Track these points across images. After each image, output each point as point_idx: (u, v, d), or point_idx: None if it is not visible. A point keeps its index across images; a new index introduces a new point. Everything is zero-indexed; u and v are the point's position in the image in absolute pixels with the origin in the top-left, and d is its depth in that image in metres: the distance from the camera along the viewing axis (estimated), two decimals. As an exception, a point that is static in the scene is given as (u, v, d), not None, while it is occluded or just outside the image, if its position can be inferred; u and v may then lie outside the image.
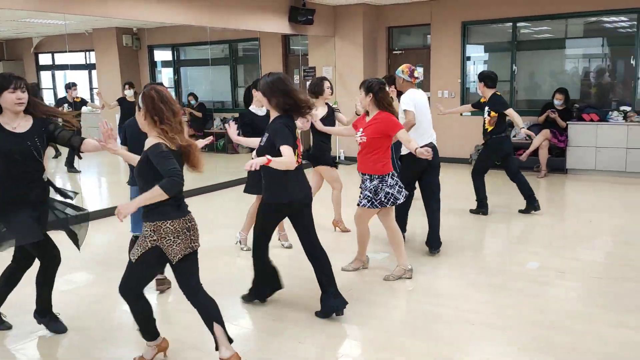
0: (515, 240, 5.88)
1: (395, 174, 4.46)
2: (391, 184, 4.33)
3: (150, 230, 2.92)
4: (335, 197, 5.87)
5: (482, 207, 6.59)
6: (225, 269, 5.00)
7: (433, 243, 5.19)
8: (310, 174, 5.88)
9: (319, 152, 5.71)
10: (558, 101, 8.85)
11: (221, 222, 6.50)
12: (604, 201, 7.31)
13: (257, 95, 4.80)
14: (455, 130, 9.89)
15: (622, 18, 9.10)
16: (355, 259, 4.80)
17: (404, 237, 5.41)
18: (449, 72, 10.18)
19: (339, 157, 10.56)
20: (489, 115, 6.36)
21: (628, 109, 8.63)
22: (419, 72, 5.39)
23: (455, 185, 6.97)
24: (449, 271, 4.83)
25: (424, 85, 10.13)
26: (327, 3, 10.08)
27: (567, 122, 8.80)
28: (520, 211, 6.55)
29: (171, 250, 2.93)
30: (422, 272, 4.72)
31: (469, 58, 10.32)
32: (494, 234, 6.10)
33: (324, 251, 3.89)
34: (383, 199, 4.31)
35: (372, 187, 4.32)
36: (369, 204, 4.34)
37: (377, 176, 4.32)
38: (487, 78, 6.42)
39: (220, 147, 11.54)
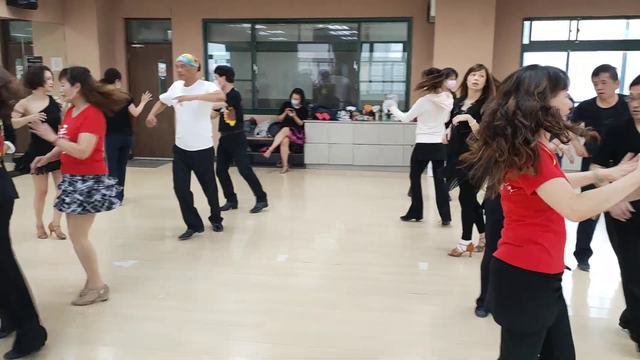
0: (263, 235, 6.08)
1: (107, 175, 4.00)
2: (109, 185, 3.91)
3: None
4: None
5: (262, 200, 6.73)
6: None
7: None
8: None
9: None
10: (295, 101, 9.47)
11: None
12: (337, 192, 8.07)
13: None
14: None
15: (345, 27, 10.15)
16: (88, 288, 4.04)
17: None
18: (191, 69, 10.06)
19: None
20: (227, 109, 6.53)
21: (353, 109, 9.69)
22: None
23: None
24: (201, 273, 4.74)
25: (167, 82, 9.88)
26: (52, -14, 9.05)
27: (304, 121, 9.48)
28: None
29: None
30: (174, 278, 4.55)
31: (211, 56, 10.37)
32: (243, 229, 6.22)
33: None
34: (97, 203, 3.82)
35: (85, 188, 3.79)
36: (79, 209, 3.78)
37: (90, 176, 3.83)
38: (228, 72, 6.57)
39: None
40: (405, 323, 3.79)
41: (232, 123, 6.53)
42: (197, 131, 5.38)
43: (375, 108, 9.53)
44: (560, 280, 2.16)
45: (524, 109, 1.99)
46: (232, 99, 6.44)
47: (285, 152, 9.38)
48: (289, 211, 7.18)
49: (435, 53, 8.77)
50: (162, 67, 10.24)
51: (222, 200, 6.38)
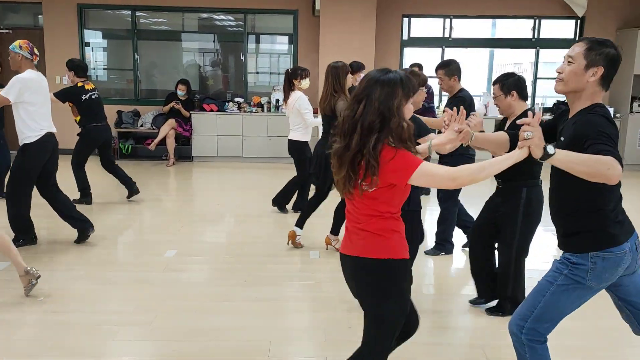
0: (149, 230, 5.89)
1: None
2: None
3: None
4: None
5: (85, 197, 6.47)
6: None
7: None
8: None
9: None
10: (181, 92, 9.21)
11: None
12: (226, 184, 8.00)
13: None
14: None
15: (230, 17, 10.02)
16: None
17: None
18: (67, 57, 9.35)
19: None
20: (69, 105, 6.31)
21: (241, 100, 9.62)
22: None
23: (69, 179, 6.52)
24: (84, 272, 4.49)
25: (40, 70, 9.18)
26: None
27: (191, 112, 9.26)
28: (128, 198, 6.64)
29: None
30: (53, 279, 4.28)
31: (87, 44, 9.79)
32: (128, 225, 5.98)
33: None
34: None
35: None
36: None
37: None
38: (77, 67, 6.32)
39: None
40: (298, 311, 3.87)
41: (77, 118, 6.34)
42: (16, 127, 4.89)
43: (263, 100, 9.53)
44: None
45: (370, 119, 2.11)
46: (62, 94, 6.21)
47: (171, 144, 9.11)
48: (176, 205, 7.00)
49: (320, 46, 8.94)
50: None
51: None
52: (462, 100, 4.58)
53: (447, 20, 9.72)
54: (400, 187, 2.17)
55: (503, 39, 10.17)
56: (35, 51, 4.91)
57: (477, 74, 10.64)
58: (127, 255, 5.03)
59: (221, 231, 5.78)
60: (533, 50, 9.88)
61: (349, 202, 2.30)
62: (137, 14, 9.72)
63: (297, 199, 6.32)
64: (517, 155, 2.10)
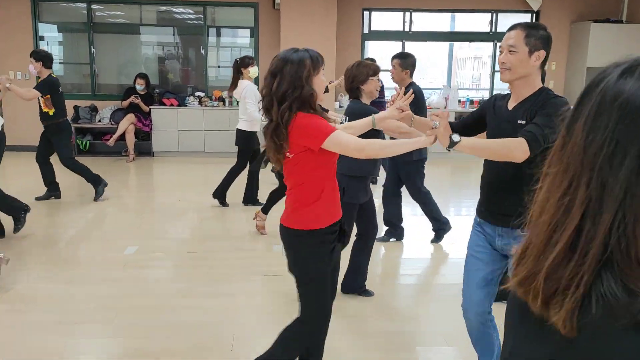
0: (109, 227, 5.79)
1: None
2: None
3: None
4: None
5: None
6: None
7: None
8: None
9: None
10: (140, 86, 9.05)
11: None
12: (188, 180, 7.91)
13: None
14: (28, 115, 9.04)
15: (190, 10, 9.89)
16: None
17: None
18: (20, 51, 9.14)
19: None
20: (43, 97, 6.11)
21: (202, 94, 9.51)
22: None
23: (28, 176, 6.37)
24: (42, 271, 4.40)
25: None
26: None
27: (150, 107, 9.11)
28: (37, 198, 6.38)
29: None
30: (8, 278, 4.17)
31: (42, 37, 9.51)
32: (84, 222, 5.86)
33: None
34: None
35: None
36: None
37: None
38: (45, 58, 6.15)
39: None
40: (261, 305, 3.88)
41: (50, 112, 6.14)
42: None
43: (224, 94, 9.45)
44: (334, 231, 2.46)
45: (283, 89, 2.29)
46: (45, 86, 6.04)
47: (131, 139, 8.95)
48: (137, 201, 6.90)
49: (281, 39, 8.91)
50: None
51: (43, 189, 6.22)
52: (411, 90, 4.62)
53: (407, 13, 9.81)
54: (315, 151, 2.29)
55: (462, 32, 10.34)
56: None
57: (437, 66, 10.80)
58: (87, 252, 4.93)
59: (183, 227, 5.73)
60: (491, 44, 10.08)
61: (284, 173, 2.46)
62: (93, 6, 9.49)
63: (246, 192, 6.32)
64: (424, 141, 2.29)
